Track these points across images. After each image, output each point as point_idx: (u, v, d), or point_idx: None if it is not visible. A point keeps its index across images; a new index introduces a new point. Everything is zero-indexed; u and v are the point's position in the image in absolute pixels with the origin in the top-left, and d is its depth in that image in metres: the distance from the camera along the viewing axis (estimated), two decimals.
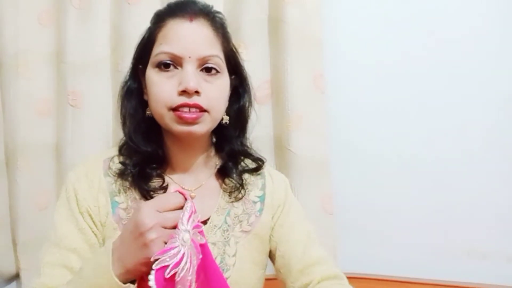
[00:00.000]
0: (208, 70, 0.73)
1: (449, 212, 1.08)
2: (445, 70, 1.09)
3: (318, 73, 1.09)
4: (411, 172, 1.11)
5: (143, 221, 0.56)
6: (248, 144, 0.85)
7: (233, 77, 0.79)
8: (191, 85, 0.69)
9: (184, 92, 0.70)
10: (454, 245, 1.08)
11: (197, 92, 0.70)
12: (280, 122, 1.11)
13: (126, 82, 0.80)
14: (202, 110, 0.71)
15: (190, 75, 0.70)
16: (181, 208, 0.58)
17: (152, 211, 0.57)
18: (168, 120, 0.71)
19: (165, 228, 0.56)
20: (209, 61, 0.72)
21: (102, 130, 1.17)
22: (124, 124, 0.79)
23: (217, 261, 0.72)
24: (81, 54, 1.16)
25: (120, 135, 0.81)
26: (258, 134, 0.96)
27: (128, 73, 0.81)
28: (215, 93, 0.73)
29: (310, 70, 1.09)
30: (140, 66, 0.77)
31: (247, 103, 0.83)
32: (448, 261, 1.08)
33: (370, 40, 1.14)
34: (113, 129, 1.18)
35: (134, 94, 0.78)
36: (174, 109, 0.70)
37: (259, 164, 0.83)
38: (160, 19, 0.75)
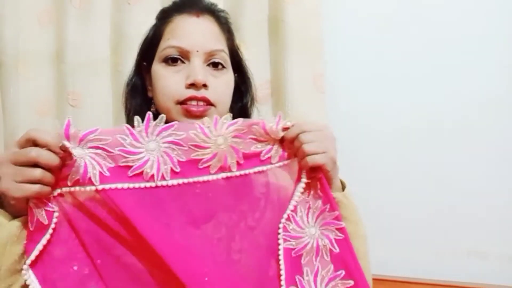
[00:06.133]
0: (214, 65, 0.74)
1: (449, 212, 1.07)
2: (445, 70, 1.08)
3: (318, 73, 1.09)
4: (411, 173, 1.10)
5: None
6: None
7: (236, 75, 0.80)
8: (200, 78, 0.70)
9: (192, 85, 0.70)
10: (454, 245, 1.08)
11: (205, 86, 0.71)
12: None
13: (131, 79, 0.81)
14: (209, 103, 0.71)
15: (198, 69, 0.71)
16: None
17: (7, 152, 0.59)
18: (174, 114, 0.71)
19: (17, 164, 0.56)
20: (215, 56, 0.73)
21: None
22: (128, 122, 0.78)
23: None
24: (81, 54, 1.16)
25: None
26: None
27: (132, 70, 0.82)
28: (222, 87, 0.74)
29: (310, 70, 1.09)
30: (145, 63, 0.78)
31: (249, 102, 0.84)
32: (448, 261, 1.08)
33: (370, 40, 1.13)
34: None
35: (138, 91, 0.80)
36: (182, 102, 0.70)
37: None
38: (166, 15, 0.77)
